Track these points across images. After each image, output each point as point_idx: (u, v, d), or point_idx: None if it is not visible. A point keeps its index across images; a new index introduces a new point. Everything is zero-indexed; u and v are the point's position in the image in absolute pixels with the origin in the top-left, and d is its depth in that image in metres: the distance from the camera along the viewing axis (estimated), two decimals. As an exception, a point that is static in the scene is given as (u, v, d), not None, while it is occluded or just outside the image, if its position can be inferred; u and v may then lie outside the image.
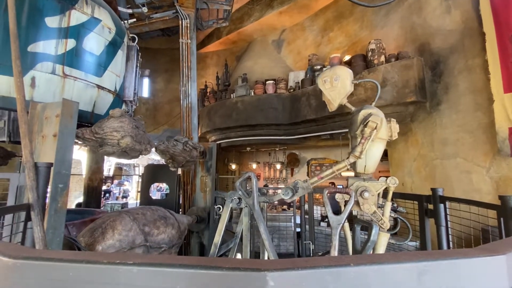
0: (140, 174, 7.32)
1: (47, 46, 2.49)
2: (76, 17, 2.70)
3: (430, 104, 4.93)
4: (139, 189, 7.83)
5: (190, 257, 0.48)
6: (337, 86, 2.02)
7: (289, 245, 5.69)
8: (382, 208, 1.84)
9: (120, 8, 5.31)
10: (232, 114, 7.56)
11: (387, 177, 1.84)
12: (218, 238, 2.42)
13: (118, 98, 3.34)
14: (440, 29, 4.82)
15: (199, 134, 8.20)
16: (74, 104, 2.08)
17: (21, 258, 0.45)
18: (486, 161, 4.02)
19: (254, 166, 10.20)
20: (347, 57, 6.51)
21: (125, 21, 5.36)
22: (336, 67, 2.10)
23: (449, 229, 2.35)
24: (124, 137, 2.26)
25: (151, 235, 2.62)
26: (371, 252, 1.79)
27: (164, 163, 3.41)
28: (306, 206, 4.72)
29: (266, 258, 2.26)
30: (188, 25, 5.39)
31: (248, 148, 9.97)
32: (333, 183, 7.70)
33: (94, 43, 2.87)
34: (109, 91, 3.10)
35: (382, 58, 5.39)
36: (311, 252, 4.57)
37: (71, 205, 8.25)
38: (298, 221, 5.11)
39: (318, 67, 6.56)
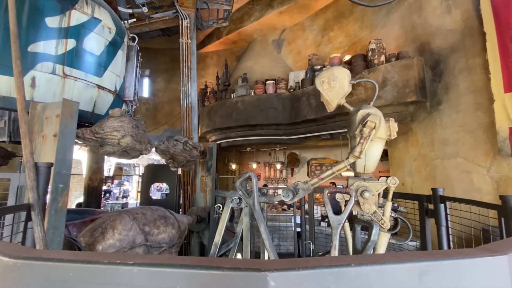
0: (140, 174, 7.32)
1: (47, 46, 2.49)
2: (76, 17, 2.70)
3: (430, 103, 4.93)
4: (139, 189, 7.83)
5: (191, 257, 0.48)
6: (335, 86, 2.03)
7: (289, 245, 5.69)
8: (383, 208, 1.84)
9: (120, 8, 5.31)
10: (232, 114, 7.56)
11: (387, 177, 1.84)
12: (218, 238, 2.42)
13: (118, 98, 3.34)
14: (440, 28, 4.82)
15: (199, 134, 8.21)
16: (74, 104, 2.08)
17: (22, 258, 0.45)
18: (487, 161, 4.02)
19: (254, 166, 10.20)
20: (347, 57, 6.50)
21: (125, 21, 5.36)
22: (334, 68, 2.10)
23: (450, 229, 2.35)
24: (125, 137, 2.26)
25: (152, 235, 2.62)
26: (372, 252, 1.79)
27: (165, 163, 3.42)
28: (306, 206, 4.72)
29: (266, 258, 2.26)
30: (188, 25, 5.39)
31: (248, 148, 9.97)
32: (333, 183, 7.70)
33: (94, 43, 2.87)
34: (109, 91, 3.10)
35: (382, 58, 5.38)
36: (311, 252, 4.57)
37: (72, 205, 8.26)
38: (298, 221, 5.10)
39: (318, 67, 6.56)
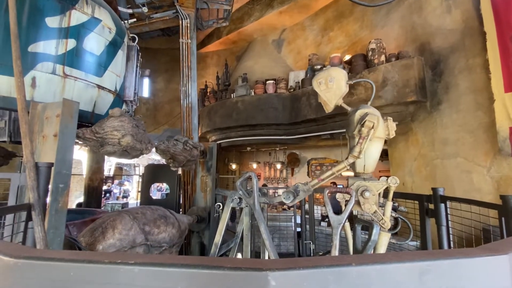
0: (141, 174, 7.32)
1: (47, 46, 2.49)
2: (77, 17, 2.70)
3: (430, 103, 4.92)
4: (140, 189, 7.83)
5: (192, 257, 0.48)
6: (332, 87, 2.03)
7: (289, 245, 5.69)
8: (383, 208, 1.84)
9: (120, 8, 5.31)
10: (232, 114, 7.56)
11: (387, 176, 1.84)
12: (218, 237, 2.42)
13: (119, 98, 3.34)
14: (440, 28, 4.82)
15: (200, 134, 8.21)
16: (74, 104, 2.08)
17: (22, 258, 0.45)
18: (487, 160, 4.02)
19: (255, 166, 10.20)
20: (347, 57, 6.50)
21: (125, 21, 5.36)
22: (330, 69, 2.11)
23: (450, 228, 2.35)
24: (125, 136, 2.26)
25: (152, 234, 2.62)
26: (372, 252, 1.79)
27: (165, 163, 3.42)
28: (307, 206, 4.72)
29: (266, 257, 2.26)
30: (188, 25, 5.39)
31: (248, 148, 9.97)
32: (334, 183, 7.70)
33: (94, 43, 2.87)
34: (110, 91, 3.11)
35: (383, 58, 5.38)
36: (312, 252, 4.57)
37: (72, 205, 8.26)
38: (298, 220, 5.10)
39: (318, 66, 6.55)
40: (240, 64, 9.46)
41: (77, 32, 2.70)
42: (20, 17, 2.30)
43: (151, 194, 6.17)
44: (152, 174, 5.79)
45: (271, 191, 9.44)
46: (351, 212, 1.70)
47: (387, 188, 1.83)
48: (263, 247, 2.64)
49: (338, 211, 1.69)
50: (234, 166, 10.48)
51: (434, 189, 2.42)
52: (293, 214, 5.68)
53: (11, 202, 2.84)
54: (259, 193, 2.03)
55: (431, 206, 2.44)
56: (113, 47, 3.13)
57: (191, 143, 3.38)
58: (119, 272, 0.44)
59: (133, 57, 3.66)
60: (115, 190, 13.15)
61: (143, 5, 5.42)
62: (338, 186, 7.19)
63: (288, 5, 7.99)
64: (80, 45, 2.72)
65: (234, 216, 6.70)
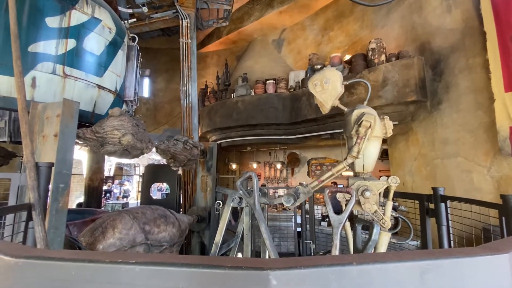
0: (141, 174, 7.33)
1: (47, 46, 2.49)
2: (77, 17, 2.70)
3: (430, 103, 4.92)
4: (140, 189, 7.84)
5: (192, 256, 0.48)
6: (328, 88, 2.04)
7: (289, 244, 5.69)
8: (383, 207, 1.84)
9: (120, 8, 5.31)
10: (232, 114, 7.56)
11: (388, 176, 1.84)
12: (219, 237, 2.42)
13: (119, 98, 3.34)
14: (440, 28, 4.81)
15: (200, 134, 8.21)
16: (74, 104, 2.08)
17: (23, 258, 0.45)
18: (487, 160, 4.02)
19: (255, 165, 10.20)
20: (347, 57, 6.50)
21: (125, 21, 5.36)
22: (325, 70, 2.11)
23: (450, 228, 2.35)
24: (125, 135, 2.26)
25: (152, 234, 2.62)
26: (373, 251, 1.79)
27: (165, 163, 3.42)
28: (307, 206, 4.72)
29: (267, 257, 2.25)
30: (188, 25, 5.39)
31: (248, 148, 9.97)
32: (334, 183, 7.69)
33: (94, 43, 2.87)
34: (110, 91, 3.11)
35: (383, 58, 5.38)
36: (312, 251, 4.57)
37: (72, 205, 8.27)
38: (298, 220, 5.11)
39: (319, 66, 6.55)
40: (240, 64, 9.46)
41: (77, 32, 2.70)
42: (20, 17, 2.30)
43: (151, 194, 6.17)
44: (152, 174, 5.79)
45: (271, 191, 9.45)
46: (352, 212, 1.70)
47: (387, 187, 1.83)
48: (264, 247, 2.64)
49: (338, 210, 1.69)
50: (234, 166, 10.48)
51: (435, 189, 2.42)
52: (293, 214, 5.68)
53: (11, 202, 2.85)
54: (259, 193, 2.03)
55: (432, 205, 2.44)
56: (113, 47, 3.13)
57: (191, 142, 3.38)
58: (120, 271, 0.44)
59: (133, 57, 3.66)
60: (116, 190, 13.16)
61: (143, 5, 5.42)
62: (338, 186, 7.19)
63: (288, 5, 7.99)
64: (80, 45, 2.72)
65: (237, 215, 6.70)
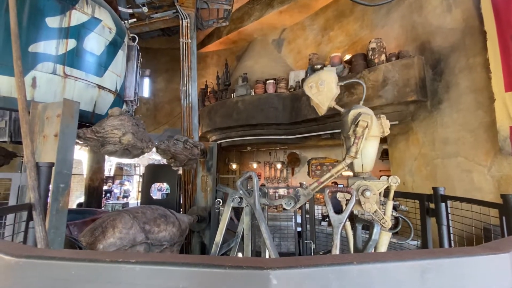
0: (141, 174, 7.33)
1: (48, 46, 2.49)
2: (77, 17, 2.70)
3: (431, 103, 4.92)
4: (140, 189, 7.84)
5: (193, 256, 0.48)
6: (323, 90, 2.04)
7: (290, 244, 5.69)
8: (384, 207, 1.84)
9: (120, 8, 5.31)
10: (232, 114, 7.56)
11: (388, 176, 1.84)
12: (219, 237, 2.42)
13: (119, 98, 3.34)
14: (440, 27, 4.81)
15: (200, 134, 8.21)
16: (75, 104, 2.08)
17: (24, 257, 0.45)
18: (487, 160, 4.01)
19: (255, 165, 10.20)
20: (347, 56, 6.50)
21: (126, 21, 5.36)
22: (320, 72, 2.11)
23: (451, 228, 2.35)
24: (125, 134, 2.26)
25: (152, 233, 2.62)
26: (373, 251, 1.79)
27: (165, 163, 3.42)
28: (307, 206, 4.72)
29: (267, 257, 2.25)
30: (188, 24, 5.39)
31: (248, 148, 9.97)
32: (335, 182, 7.69)
33: (94, 43, 2.87)
34: (110, 91, 3.11)
35: (383, 57, 5.38)
36: (312, 251, 4.57)
37: (72, 205, 8.28)
38: (299, 220, 5.10)
39: (319, 66, 6.54)
40: (240, 64, 9.46)
41: (77, 32, 2.70)
42: (21, 17, 2.30)
43: (151, 194, 6.18)
44: (153, 174, 5.80)
45: (271, 191, 9.45)
46: (352, 212, 1.70)
47: (387, 187, 1.83)
48: (264, 247, 2.64)
49: (338, 210, 1.69)
50: (234, 166, 10.48)
51: (435, 189, 2.42)
52: (293, 213, 5.68)
53: (12, 202, 2.85)
54: (260, 193, 2.03)
55: (432, 205, 2.44)
56: (113, 47, 3.13)
57: (191, 142, 3.39)
58: (120, 271, 0.44)
59: (133, 57, 3.66)
60: (116, 190, 13.17)
61: (143, 5, 5.42)
62: (338, 185, 7.19)
63: (288, 4, 7.98)
64: (81, 45, 2.73)
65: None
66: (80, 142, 2.39)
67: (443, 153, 4.65)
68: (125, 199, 11.97)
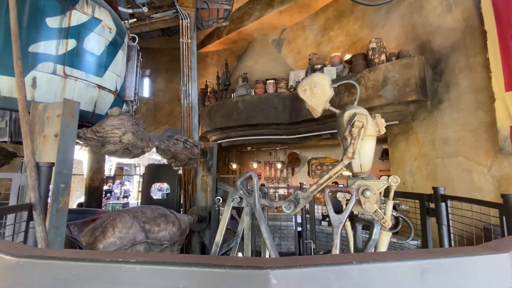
0: (141, 174, 7.33)
1: (48, 47, 2.49)
2: (77, 17, 2.70)
3: (431, 102, 4.92)
4: (140, 189, 7.85)
5: (193, 256, 0.48)
6: (317, 92, 2.05)
7: (290, 244, 5.69)
8: (384, 205, 1.84)
9: (120, 8, 5.31)
10: (232, 114, 7.56)
11: (388, 176, 1.84)
12: (219, 237, 2.42)
13: (119, 98, 3.34)
14: (441, 27, 4.81)
15: (200, 134, 8.21)
16: (75, 104, 2.08)
17: (24, 257, 0.45)
18: (488, 159, 4.01)
19: (255, 165, 10.20)
20: (347, 56, 6.49)
21: (126, 21, 5.36)
22: (313, 75, 2.12)
23: (451, 227, 2.35)
24: (126, 134, 2.27)
25: (152, 232, 2.63)
26: (373, 251, 1.79)
27: (165, 163, 3.42)
28: (307, 206, 4.72)
29: (267, 257, 2.25)
30: (188, 24, 5.39)
31: (248, 148, 9.97)
32: (335, 182, 7.69)
33: (94, 43, 2.87)
34: (110, 91, 3.11)
35: (383, 57, 5.38)
36: (312, 251, 4.57)
37: (73, 205, 8.28)
38: (299, 220, 5.10)
39: (319, 66, 6.55)
40: (240, 64, 9.46)
41: (77, 32, 2.70)
42: (21, 17, 2.30)
43: (151, 194, 6.18)
44: (153, 174, 5.80)
45: (271, 191, 9.45)
46: (352, 212, 1.70)
47: (388, 187, 1.83)
48: (264, 247, 2.64)
49: (339, 210, 1.69)
50: (234, 166, 10.48)
51: (435, 188, 2.42)
52: (293, 213, 5.67)
53: (12, 202, 2.85)
54: (260, 193, 2.04)
55: (432, 205, 2.44)
56: (113, 47, 3.13)
57: (191, 141, 3.39)
58: (120, 270, 0.44)
59: (133, 57, 3.67)
60: (116, 190, 13.17)
61: (143, 5, 5.42)
62: (339, 185, 7.19)
63: (288, 4, 7.98)
64: (81, 45, 2.73)
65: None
66: (81, 142, 2.39)
67: (443, 153, 4.65)
68: (125, 199, 11.98)
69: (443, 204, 2.34)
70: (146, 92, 11.28)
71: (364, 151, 1.88)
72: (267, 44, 9.48)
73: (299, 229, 5.06)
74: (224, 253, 3.03)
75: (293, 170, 10.04)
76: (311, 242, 4.57)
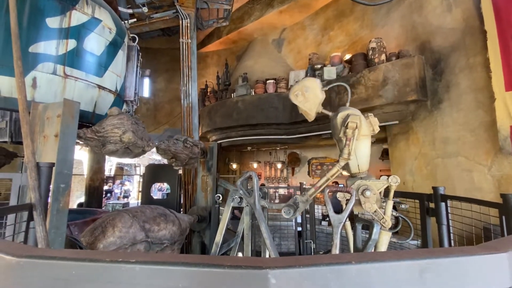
0: (141, 174, 7.34)
1: (48, 47, 2.49)
2: (77, 17, 2.70)
3: (431, 102, 4.92)
4: (141, 189, 7.85)
5: (192, 256, 0.49)
6: (309, 97, 2.07)
7: (290, 244, 5.69)
8: (384, 203, 1.84)
9: (120, 8, 5.31)
10: (232, 114, 7.56)
11: (388, 175, 1.84)
12: (219, 237, 2.43)
13: (119, 98, 3.34)
14: (441, 27, 4.81)
15: (200, 134, 8.21)
16: (75, 104, 2.08)
17: (25, 257, 0.46)
18: (488, 159, 4.01)
19: (255, 165, 10.20)
20: (347, 56, 6.49)
21: (126, 21, 5.37)
22: (303, 80, 2.14)
23: (451, 227, 2.35)
24: (126, 132, 2.27)
25: (152, 231, 2.63)
26: (373, 250, 1.79)
27: (166, 163, 3.42)
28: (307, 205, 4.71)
29: (267, 256, 2.26)
30: (188, 24, 5.39)
31: (249, 148, 9.97)
32: (336, 182, 7.69)
33: (94, 44, 2.87)
34: (110, 91, 3.11)
35: (383, 57, 5.37)
36: (312, 251, 4.57)
37: (73, 205, 8.29)
38: (299, 220, 5.11)
39: (319, 66, 6.55)
40: (240, 64, 9.46)
41: (77, 33, 2.70)
42: (21, 17, 2.31)
43: (152, 194, 6.19)
44: (153, 174, 5.81)
45: (271, 191, 9.45)
46: (352, 211, 1.70)
47: (387, 187, 1.83)
48: (264, 247, 2.64)
49: (338, 210, 1.69)
50: (234, 166, 10.49)
51: (435, 188, 2.42)
52: (293, 213, 5.67)
53: (12, 202, 2.86)
54: (260, 193, 2.04)
55: (432, 205, 2.44)
56: (113, 47, 3.13)
57: (190, 140, 3.39)
58: (120, 270, 0.44)
59: (133, 57, 3.67)
60: (116, 190, 13.18)
61: (143, 5, 5.42)
62: (339, 185, 7.19)
63: (288, 4, 7.98)
64: (81, 46, 2.73)
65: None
66: (81, 142, 2.40)
67: (443, 153, 4.65)
68: (125, 199, 11.99)
69: (443, 204, 2.34)
70: (146, 92, 11.29)
71: (361, 151, 1.89)
72: (267, 44, 9.48)
73: (299, 229, 5.06)
74: (224, 253, 3.03)
75: (293, 170, 10.05)
76: (311, 242, 4.57)
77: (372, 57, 5.48)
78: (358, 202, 1.80)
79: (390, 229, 1.82)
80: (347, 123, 1.75)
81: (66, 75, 2.59)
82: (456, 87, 4.52)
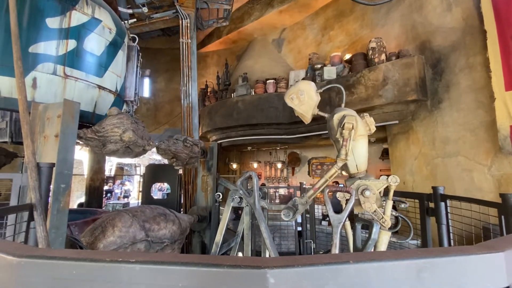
0: (142, 174, 7.35)
1: (48, 47, 2.49)
2: (77, 17, 2.70)
3: (431, 102, 4.92)
4: (141, 189, 7.86)
5: (192, 255, 0.49)
6: (304, 99, 2.08)
7: (290, 244, 5.70)
8: (384, 202, 1.85)
9: (120, 8, 5.32)
10: (232, 114, 7.56)
11: (388, 175, 1.84)
12: (219, 237, 2.43)
13: (119, 98, 3.35)
14: (441, 27, 4.81)
15: (200, 134, 8.22)
16: (75, 105, 2.09)
17: (25, 257, 0.46)
18: (488, 159, 4.01)
19: (255, 165, 10.20)
20: (347, 56, 6.49)
21: (126, 21, 5.37)
22: (298, 83, 2.15)
23: (450, 227, 2.35)
24: (126, 132, 2.27)
25: (152, 231, 2.63)
26: (372, 250, 1.79)
27: (166, 163, 3.43)
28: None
29: (267, 256, 2.26)
30: (188, 24, 5.39)
31: (249, 148, 9.97)
32: (336, 182, 7.69)
33: (94, 44, 2.87)
34: (110, 91, 3.11)
35: (383, 57, 5.37)
36: (312, 251, 4.58)
37: (73, 205, 8.29)
38: (299, 220, 5.11)
39: (319, 66, 6.55)
40: (240, 64, 9.46)
41: (77, 33, 2.70)
42: (21, 18, 2.31)
43: (152, 194, 6.20)
44: (153, 174, 5.81)
45: (271, 191, 9.46)
46: (352, 211, 1.71)
47: (387, 187, 1.83)
48: (264, 246, 2.65)
49: (338, 210, 1.69)
50: (234, 166, 10.49)
51: (435, 188, 2.42)
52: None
53: (13, 202, 2.86)
54: (259, 193, 2.04)
55: (432, 205, 2.44)
56: (113, 48, 3.13)
57: (190, 140, 3.39)
58: (120, 270, 0.44)
59: (133, 57, 3.67)
60: (117, 190, 13.19)
61: (143, 5, 5.42)
62: (339, 185, 7.18)
63: (288, 4, 7.98)
64: (81, 46, 2.73)
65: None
66: (81, 143, 2.40)
67: (443, 153, 4.65)
68: (125, 199, 12.00)
69: (442, 203, 2.34)
70: (146, 92, 11.29)
71: (358, 151, 1.89)
72: (267, 43, 9.48)
73: (299, 228, 5.06)
74: (224, 253, 3.04)
75: (294, 170, 10.05)
76: (311, 242, 4.57)
77: (372, 56, 5.48)
78: (358, 202, 1.81)
79: (390, 228, 1.82)
80: (344, 124, 1.76)
81: (66, 76, 2.60)
82: (456, 86, 4.52)
